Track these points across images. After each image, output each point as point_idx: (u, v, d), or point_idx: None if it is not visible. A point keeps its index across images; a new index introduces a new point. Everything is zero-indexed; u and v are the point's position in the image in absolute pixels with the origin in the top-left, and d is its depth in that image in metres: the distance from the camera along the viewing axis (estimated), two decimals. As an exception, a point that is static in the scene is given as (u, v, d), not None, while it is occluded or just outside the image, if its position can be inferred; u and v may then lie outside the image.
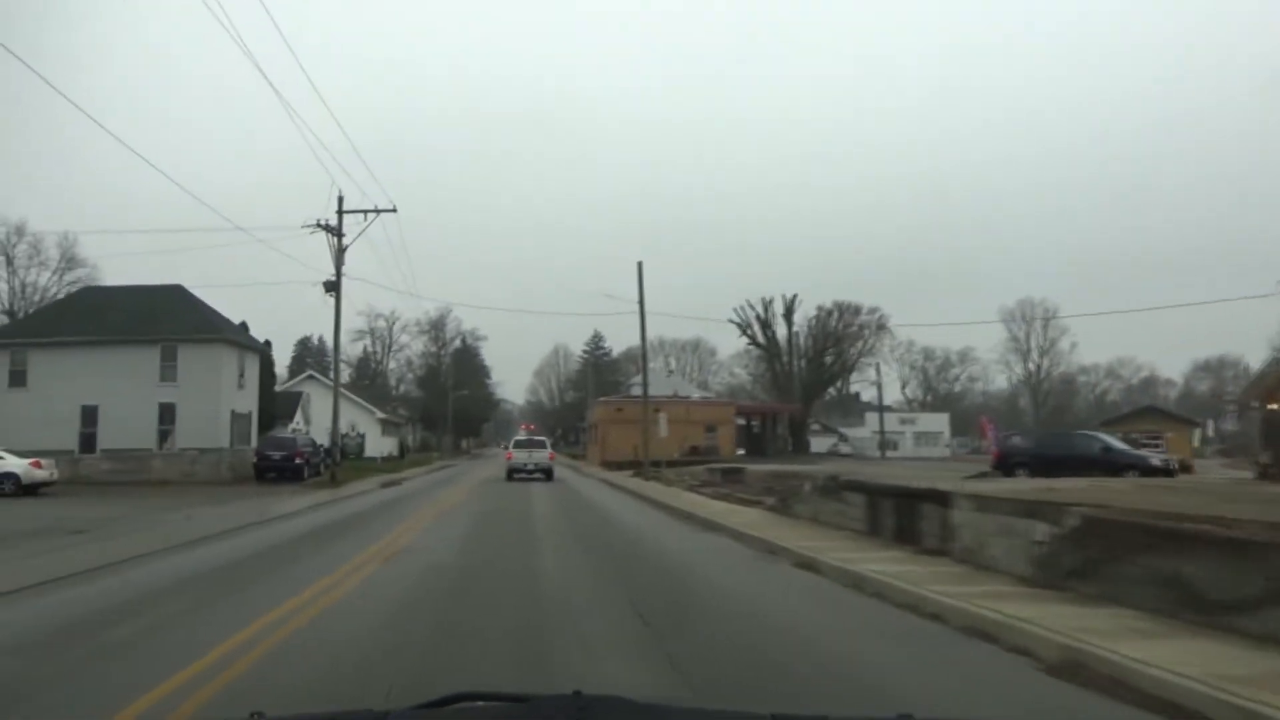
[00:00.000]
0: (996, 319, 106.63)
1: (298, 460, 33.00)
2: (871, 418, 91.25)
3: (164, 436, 32.85)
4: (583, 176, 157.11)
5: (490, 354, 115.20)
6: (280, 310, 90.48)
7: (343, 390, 59.16)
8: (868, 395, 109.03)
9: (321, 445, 36.09)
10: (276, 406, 42.37)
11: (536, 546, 13.07)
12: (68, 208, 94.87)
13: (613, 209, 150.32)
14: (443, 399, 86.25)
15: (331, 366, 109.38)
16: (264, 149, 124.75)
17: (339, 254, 33.79)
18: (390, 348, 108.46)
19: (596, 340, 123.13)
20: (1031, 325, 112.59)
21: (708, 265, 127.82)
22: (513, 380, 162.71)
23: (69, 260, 64.10)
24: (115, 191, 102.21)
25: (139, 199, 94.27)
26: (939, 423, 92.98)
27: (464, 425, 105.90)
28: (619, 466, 49.57)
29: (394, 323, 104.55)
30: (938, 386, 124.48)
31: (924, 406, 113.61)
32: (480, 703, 1.95)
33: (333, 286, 33.58)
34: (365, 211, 33.96)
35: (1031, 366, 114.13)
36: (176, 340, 32.78)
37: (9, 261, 65.01)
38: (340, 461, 41.85)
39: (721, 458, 54.75)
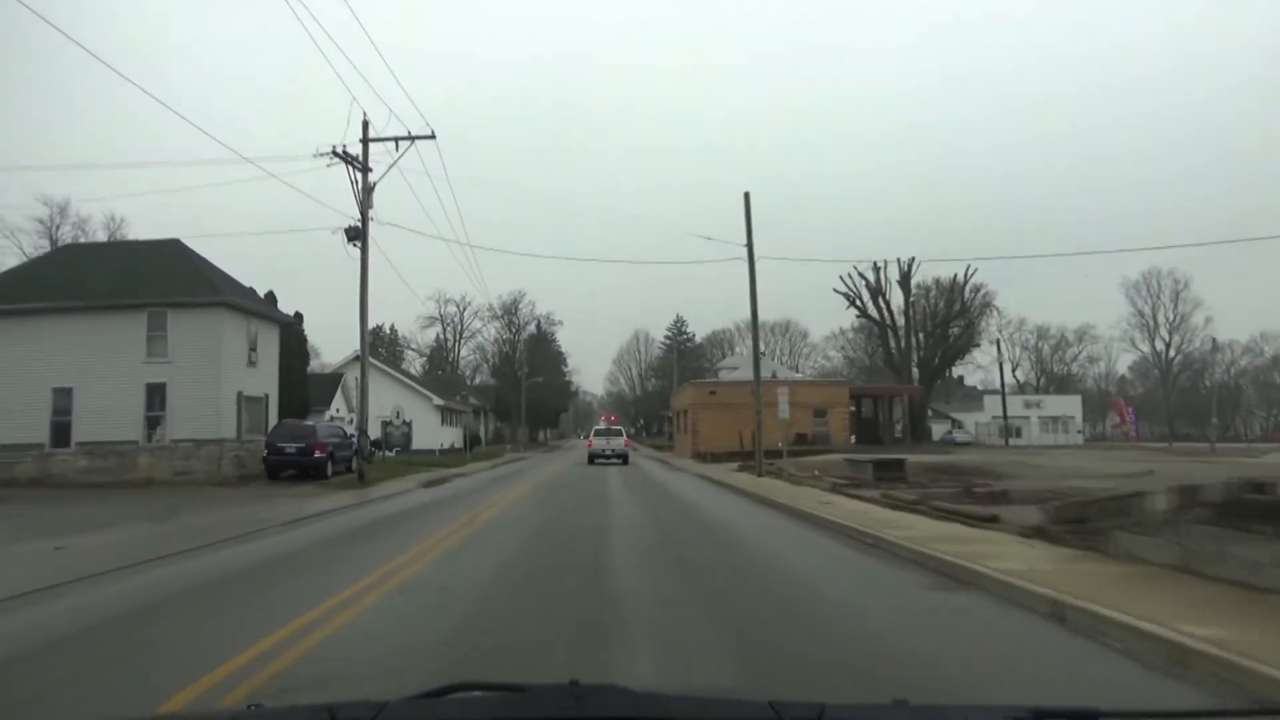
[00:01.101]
0: (1120, 291, 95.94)
1: (318, 454, 26.09)
2: (990, 402, 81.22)
3: (153, 425, 26.32)
4: (665, 153, 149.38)
5: (567, 342, 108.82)
6: (344, 299, 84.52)
7: (390, 370, 52.05)
8: (970, 379, 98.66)
9: (352, 436, 29.11)
10: (311, 392, 35.85)
11: (622, 649, 5.39)
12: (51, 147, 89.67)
13: (702, 189, 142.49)
14: (517, 388, 79.67)
15: (402, 357, 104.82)
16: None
17: (365, 193, 26.75)
18: (461, 334, 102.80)
19: (679, 325, 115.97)
20: (1159, 298, 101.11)
21: (803, 241, 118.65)
22: (590, 368, 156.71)
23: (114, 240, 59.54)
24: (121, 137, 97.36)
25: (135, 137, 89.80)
26: (1069, 406, 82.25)
27: (540, 415, 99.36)
28: (714, 458, 41.81)
29: (464, 308, 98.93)
30: (1052, 368, 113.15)
31: (1036, 390, 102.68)
32: (478, 692, 1.87)
33: (357, 234, 26.51)
34: (396, 139, 26.86)
35: (1160, 344, 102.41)
36: (165, 304, 26.15)
37: (53, 244, 60.78)
38: (380, 455, 35.12)
39: (834, 446, 46.48)
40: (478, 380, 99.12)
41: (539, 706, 1.70)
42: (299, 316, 36.22)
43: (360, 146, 26.78)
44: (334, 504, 19.62)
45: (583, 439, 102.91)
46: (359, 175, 26.65)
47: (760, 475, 25.89)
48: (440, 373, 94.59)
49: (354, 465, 28.48)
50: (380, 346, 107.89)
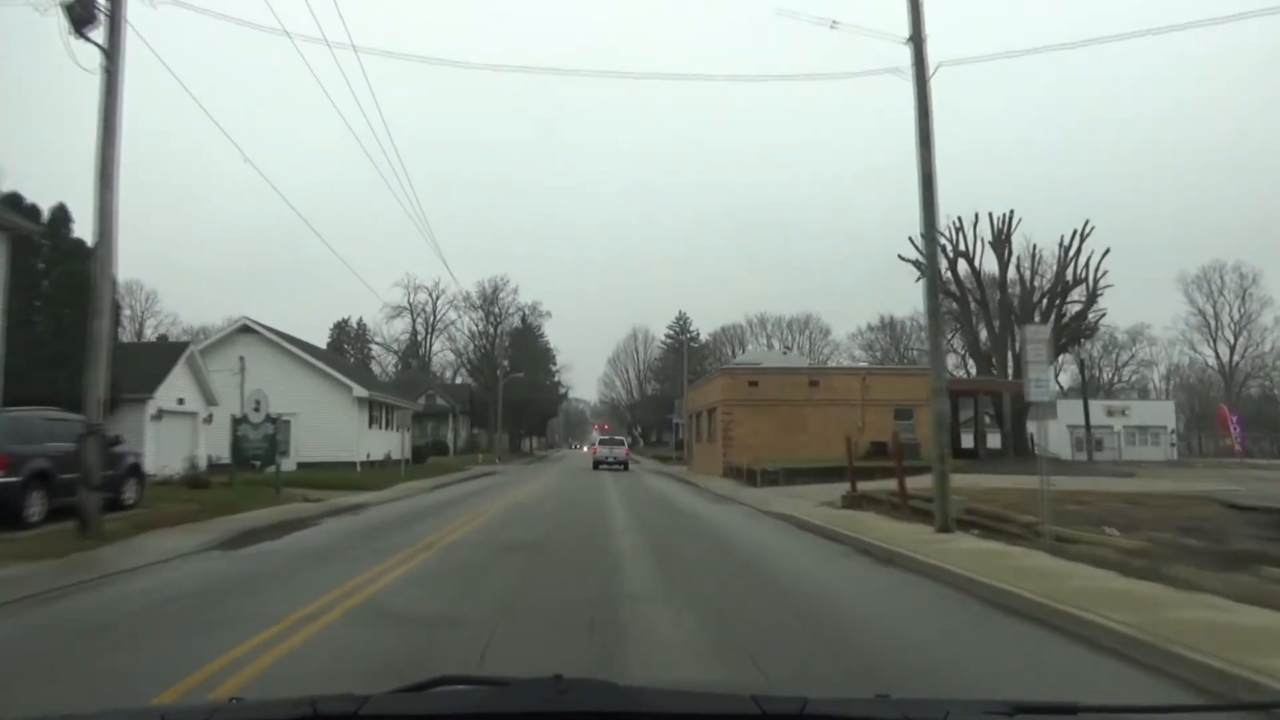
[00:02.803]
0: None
1: (5, 479, 12.22)
2: (1065, 408, 67.70)
3: None
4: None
5: (557, 340, 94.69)
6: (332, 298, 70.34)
7: (279, 340, 34.12)
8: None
9: (115, 442, 15.15)
10: (132, 368, 21.91)
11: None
12: None
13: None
14: (495, 386, 65.70)
15: (371, 354, 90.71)
16: None
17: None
18: (434, 327, 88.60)
19: (682, 321, 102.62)
20: (1220, 295, 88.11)
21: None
22: (583, 367, 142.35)
23: None
24: None
25: None
26: (1161, 414, 68.86)
27: (524, 420, 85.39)
28: (768, 478, 27.90)
29: (437, 296, 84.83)
30: (1102, 372, 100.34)
31: (1081, 395, 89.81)
32: (461, 686, 1.83)
33: (90, 12, 12.62)
34: None
35: (1225, 347, 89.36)
36: None
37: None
38: (235, 472, 21.02)
39: (929, 462, 33.03)
40: (458, 381, 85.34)
41: (523, 700, 1.62)
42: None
43: None
44: None
45: (574, 449, 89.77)
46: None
47: (946, 528, 12.12)
48: (407, 368, 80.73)
49: (124, 497, 14.85)
50: (345, 342, 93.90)
